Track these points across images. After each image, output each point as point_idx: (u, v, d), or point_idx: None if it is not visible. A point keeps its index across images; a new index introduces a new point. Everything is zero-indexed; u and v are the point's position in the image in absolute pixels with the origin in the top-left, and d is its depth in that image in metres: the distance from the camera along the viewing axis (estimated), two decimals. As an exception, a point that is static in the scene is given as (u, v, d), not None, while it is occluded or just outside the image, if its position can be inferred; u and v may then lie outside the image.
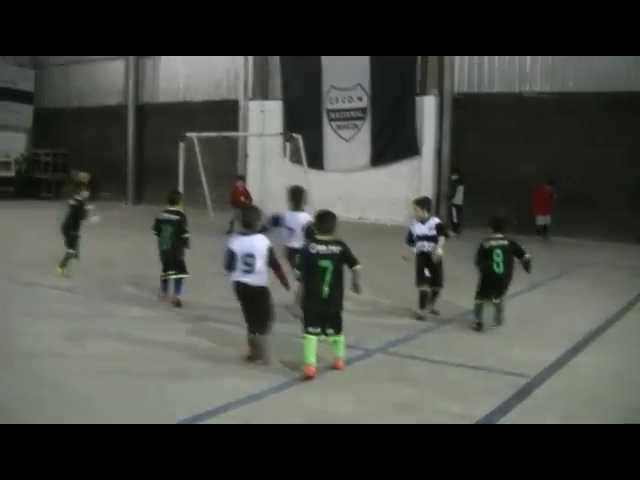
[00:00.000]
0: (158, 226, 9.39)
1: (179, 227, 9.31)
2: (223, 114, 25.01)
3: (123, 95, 29.03)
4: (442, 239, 8.97)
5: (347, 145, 22.70)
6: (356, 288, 6.61)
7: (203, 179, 20.67)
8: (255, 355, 6.70)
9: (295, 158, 20.04)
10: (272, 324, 6.76)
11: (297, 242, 8.27)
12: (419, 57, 21.36)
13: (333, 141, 22.96)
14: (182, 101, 27.15)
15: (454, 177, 20.60)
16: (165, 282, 9.54)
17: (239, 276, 6.62)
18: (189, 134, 20.19)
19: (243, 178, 19.86)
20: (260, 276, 6.57)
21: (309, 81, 23.10)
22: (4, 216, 22.22)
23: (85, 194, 11.84)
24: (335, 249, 6.38)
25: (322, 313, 6.37)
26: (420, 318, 8.88)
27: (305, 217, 8.58)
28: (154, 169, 27.22)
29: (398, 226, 18.01)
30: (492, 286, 8.43)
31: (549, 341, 7.97)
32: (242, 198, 18.36)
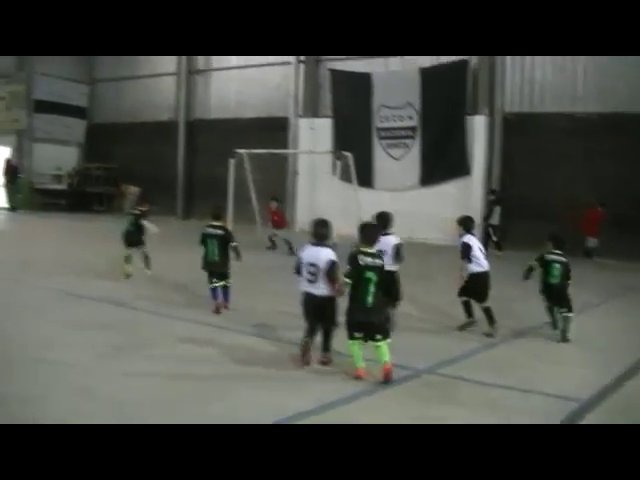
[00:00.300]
0: (204, 240, 9.88)
1: (225, 240, 9.78)
2: (273, 131, 25.48)
3: (174, 111, 29.71)
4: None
5: (397, 164, 22.98)
6: None
7: (252, 196, 21.09)
8: (307, 359, 7.19)
9: (345, 176, 20.35)
10: (334, 332, 7.25)
11: (389, 264, 8.15)
12: (470, 76, 21.57)
13: (383, 160, 23.27)
14: (233, 117, 27.68)
15: (491, 197, 20.81)
16: (214, 290, 9.99)
17: (306, 286, 7.16)
18: (239, 150, 20.66)
19: (277, 199, 20.17)
20: (324, 287, 7.05)
21: (359, 99, 23.45)
22: (57, 227, 22.94)
23: (145, 206, 12.55)
24: (378, 262, 6.89)
25: (365, 322, 6.83)
26: (490, 335, 9.02)
27: (394, 240, 8.83)
28: (203, 185, 27.80)
29: (446, 246, 18.24)
30: (550, 295, 8.79)
31: (602, 364, 8.03)
32: (275, 218, 18.80)
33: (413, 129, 22.59)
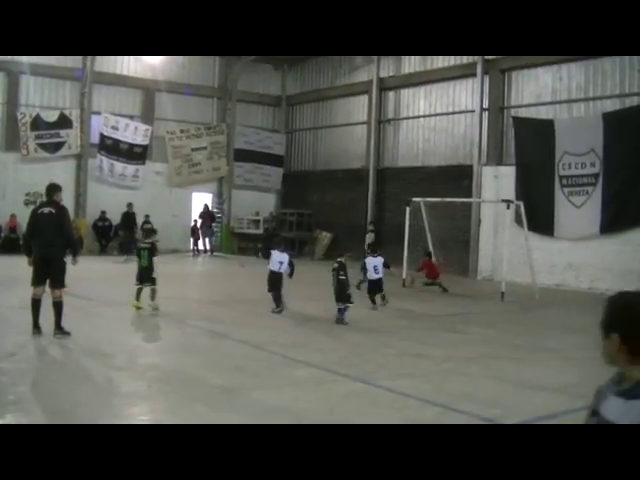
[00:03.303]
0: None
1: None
2: (458, 179, 27.61)
3: (365, 159, 32.73)
4: None
5: (577, 212, 24.14)
6: None
7: (430, 243, 23.40)
8: None
9: (530, 225, 22.11)
10: None
11: None
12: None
13: (564, 208, 24.51)
14: (419, 165, 30.23)
15: None
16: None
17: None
18: (415, 199, 23.13)
19: (429, 254, 22.75)
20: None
21: (543, 146, 24.88)
22: (244, 271, 26.26)
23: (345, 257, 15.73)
24: None
25: None
26: None
27: None
28: (391, 231, 30.32)
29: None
30: None
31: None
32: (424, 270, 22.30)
33: (595, 176, 23.72)
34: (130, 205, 31.60)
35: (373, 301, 16.92)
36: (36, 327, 11.93)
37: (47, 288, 12.00)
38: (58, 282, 11.96)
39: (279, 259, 16.05)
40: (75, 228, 27.51)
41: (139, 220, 31.53)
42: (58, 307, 11.96)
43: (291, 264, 16.09)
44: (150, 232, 16.99)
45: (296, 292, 17.18)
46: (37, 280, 11.96)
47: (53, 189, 12.45)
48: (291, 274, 16.13)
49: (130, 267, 25.32)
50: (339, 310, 14.68)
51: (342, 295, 14.76)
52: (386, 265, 17.22)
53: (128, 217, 31.63)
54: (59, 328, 11.97)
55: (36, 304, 11.94)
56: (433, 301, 19.41)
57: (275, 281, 15.95)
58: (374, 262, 16.98)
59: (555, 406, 8.59)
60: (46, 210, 12.09)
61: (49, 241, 11.94)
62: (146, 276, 15.47)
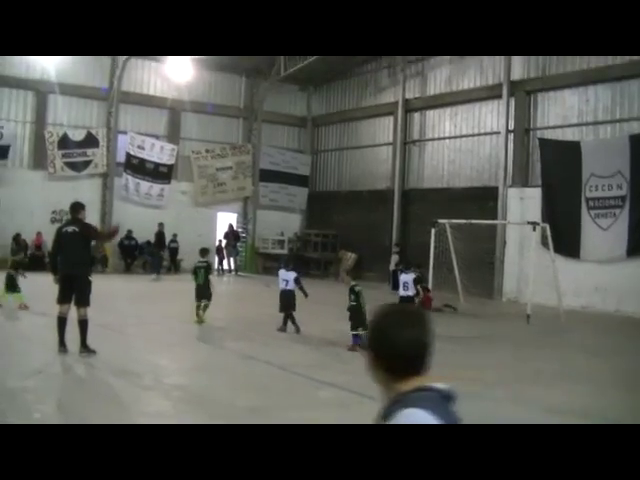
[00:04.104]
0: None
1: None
2: (483, 200, 27.60)
3: (390, 180, 32.81)
4: None
5: (604, 234, 24.08)
6: None
7: (454, 264, 23.40)
8: None
9: (556, 247, 22.04)
10: None
11: None
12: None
13: (590, 230, 24.45)
14: (444, 187, 30.27)
15: None
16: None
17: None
18: (440, 220, 23.17)
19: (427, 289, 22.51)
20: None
21: (569, 168, 24.85)
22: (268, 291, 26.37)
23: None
24: None
25: None
26: None
27: None
28: (416, 252, 30.26)
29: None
30: None
31: None
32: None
33: (622, 198, 23.65)
34: (161, 225, 32.03)
35: None
36: (62, 345, 12.07)
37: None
38: (83, 300, 12.12)
39: (284, 277, 16.19)
40: (100, 245, 27.98)
41: (180, 241, 32.63)
42: (83, 325, 12.10)
43: (297, 282, 16.09)
44: (206, 252, 17.88)
45: (320, 313, 17.24)
46: (62, 298, 12.11)
47: (76, 207, 12.65)
48: (305, 293, 16.03)
49: (157, 285, 25.60)
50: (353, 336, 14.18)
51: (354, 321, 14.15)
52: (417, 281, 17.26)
53: (159, 237, 32.11)
54: (84, 346, 12.12)
55: (62, 322, 12.08)
56: (457, 323, 19.36)
57: (283, 300, 16.00)
58: (404, 279, 16.98)
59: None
60: (70, 229, 12.27)
61: (73, 259, 12.12)
62: (203, 293, 16.67)
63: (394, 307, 2.95)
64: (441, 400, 2.69)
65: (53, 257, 12.78)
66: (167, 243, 32.71)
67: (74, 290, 12.09)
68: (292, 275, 16.20)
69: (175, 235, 32.50)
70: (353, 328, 14.04)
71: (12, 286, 17.68)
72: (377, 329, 2.81)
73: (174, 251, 33.02)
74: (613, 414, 9.43)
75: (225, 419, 8.50)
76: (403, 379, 2.72)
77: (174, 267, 32.73)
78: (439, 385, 2.72)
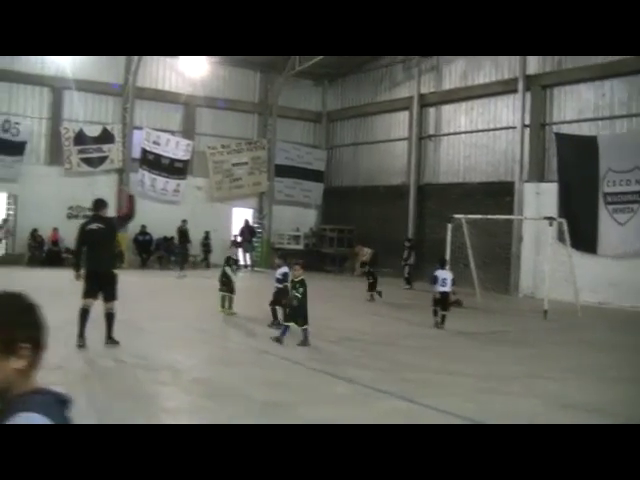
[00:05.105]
0: None
1: None
2: (499, 195, 27.63)
3: (406, 175, 32.87)
4: None
5: (621, 229, 24.06)
6: None
7: (471, 260, 23.47)
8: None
9: (572, 242, 22.12)
10: None
11: None
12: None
13: (608, 225, 24.44)
14: (460, 182, 30.32)
15: None
16: None
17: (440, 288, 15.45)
18: (456, 216, 23.24)
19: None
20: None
21: (586, 163, 24.83)
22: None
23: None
24: None
25: None
26: None
27: None
28: (432, 248, 30.36)
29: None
30: None
31: None
32: None
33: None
34: (185, 221, 32.21)
35: (435, 313, 17.14)
36: (81, 337, 12.29)
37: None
38: (111, 295, 12.46)
39: (279, 273, 16.22)
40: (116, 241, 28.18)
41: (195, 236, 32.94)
42: (110, 318, 12.48)
43: (282, 279, 15.86)
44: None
45: (334, 308, 17.35)
46: (88, 294, 12.37)
47: (99, 204, 12.86)
48: (285, 293, 15.39)
49: (178, 282, 25.77)
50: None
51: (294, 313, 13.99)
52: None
53: (183, 233, 32.29)
54: (110, 337, 12.53)
55: (84, 313, 12.30)
56: (474, 318, 19.46)
57: (276, 294, 15.91)
58: (443, 275, 17.22)
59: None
60: (94, 226, 12.49)
61: (99, 256, 12.36)
62: (222, 284, 17.87)
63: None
64: (57, 404, 2.51)
65: (77, 254, 12.99)
66: (200, 240, 33.43)
67: (101, 286, 12.37)
68: (283, 270, 16.19)
69: (208, 232, 33.38)
70: (291, 320, 13.86)
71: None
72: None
73: (207, 247, 33.58)
74: (630, 410, 9.56)
75: (244, 414, 8.63)
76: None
77: (207, 264, 32.88)
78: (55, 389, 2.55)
